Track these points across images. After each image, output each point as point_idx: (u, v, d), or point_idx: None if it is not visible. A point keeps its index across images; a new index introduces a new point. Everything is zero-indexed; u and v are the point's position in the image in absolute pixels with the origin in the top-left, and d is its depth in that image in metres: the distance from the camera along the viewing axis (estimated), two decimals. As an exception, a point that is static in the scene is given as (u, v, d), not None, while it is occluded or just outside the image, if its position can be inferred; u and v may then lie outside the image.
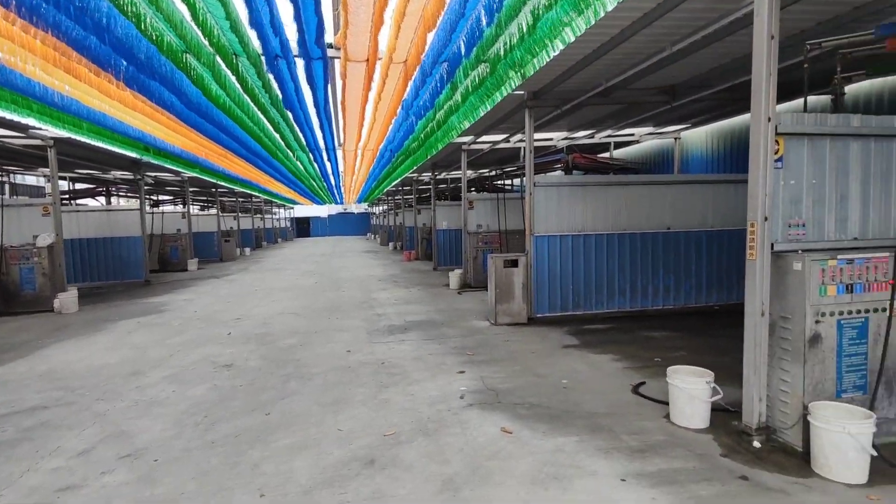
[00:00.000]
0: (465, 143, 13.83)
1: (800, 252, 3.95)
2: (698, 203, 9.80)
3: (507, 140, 13.18)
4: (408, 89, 7.63)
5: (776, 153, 4.10)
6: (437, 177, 20.17)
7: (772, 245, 4.05)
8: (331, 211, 68.68)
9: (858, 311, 3.94)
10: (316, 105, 8.54)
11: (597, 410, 4.90)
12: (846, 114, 4.28)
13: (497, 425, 4.57)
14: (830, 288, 3.88)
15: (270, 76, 6.87)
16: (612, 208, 9.58)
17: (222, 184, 21.88)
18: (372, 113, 9.40)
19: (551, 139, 14.25)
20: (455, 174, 22.94)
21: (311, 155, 14.66)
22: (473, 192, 16.84)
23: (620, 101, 8.89)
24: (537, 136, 13.71)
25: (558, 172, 13.97)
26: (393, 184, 25.37)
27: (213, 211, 27.07)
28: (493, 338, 8.01)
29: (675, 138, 13.50)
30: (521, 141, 14.16)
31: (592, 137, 13.67)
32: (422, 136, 10.91)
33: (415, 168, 16.90)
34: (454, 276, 13.74)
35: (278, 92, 7.57)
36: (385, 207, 41.73)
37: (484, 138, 13.37)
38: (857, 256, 3.93)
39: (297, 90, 7.63)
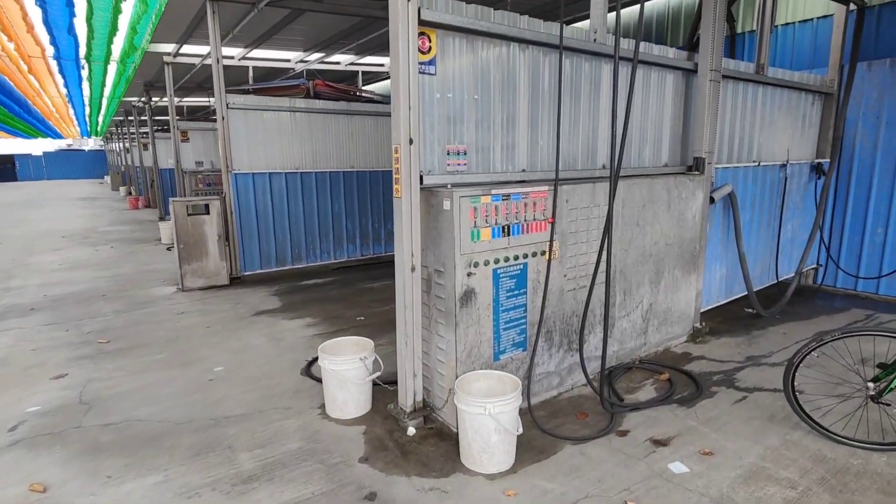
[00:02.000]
0: (167, 55, 10.71)
1: (449, 187, 3.05)
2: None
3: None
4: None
5: (426, 52, 3.05)
6: (157, 102, 16.07)
7: (421, 177, 3.06)
8: (47, 147, 53.03)
9: (517, 258, 3.28)
10: None
11: (232, 413, 3.56)
12: (513, 13, 3.46)
13: (37, 475, 2.84)
14: (485, 231, 3.10)
15: None
16: (338, 142, 8.19)
17: None
18: None
19: (288, 60, 12.08)
20: (194, 100, 18.86)
21: None
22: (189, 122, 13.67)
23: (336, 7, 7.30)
24: (272, 54, 11.43)
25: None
26: (115, 113, 19.83)
27: None
28: (164, 311, 6.04)
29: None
30: (246, 59, 11.71)
31: (338, 64, 11.99)
32: (94, 38, 7.72)
33: (127, 89, 12.96)
34: (166, 228, 10.93)
35: None
36: (122, 145, 33.35)
37: (191, 50, 10.50)
38: (514, 191, 3.21)
39: None
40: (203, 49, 10.44)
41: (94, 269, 8.36)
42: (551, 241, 3.45)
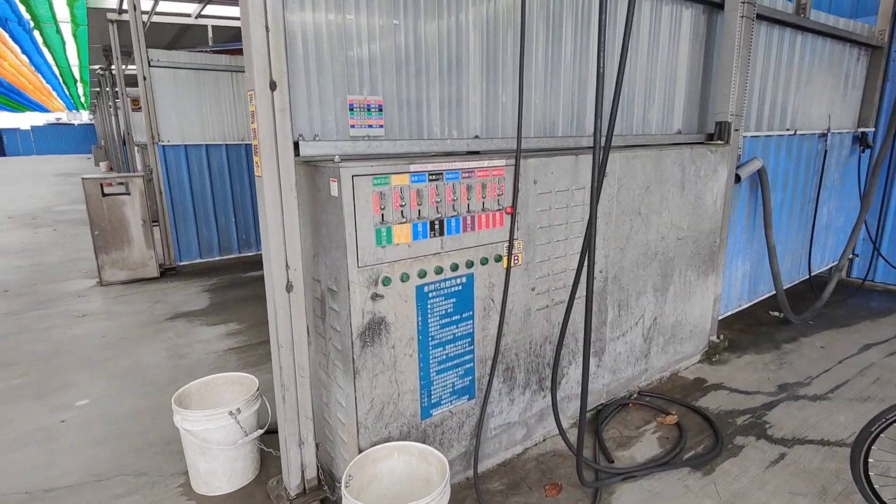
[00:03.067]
0: (112, 12, 9.43)
1: (336, 160, 1.92)
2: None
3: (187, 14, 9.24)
4: None
5: (302, -58, 1.89)
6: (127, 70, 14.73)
7: (296, 145, 1.95)
8: (35, 121, 51.54)
9: (456, 267, 2.19)
10: None
11: (61, 481, 2.53)
12: None
13: None
14: (401, 229, 2.00)
15: None
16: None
17: None
18: None
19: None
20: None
21: None
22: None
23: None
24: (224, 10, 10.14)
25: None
26: (90, 83, 18.56)
27: None
28: (63, 313, 5.00)
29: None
30: (203, 17, 10.41)
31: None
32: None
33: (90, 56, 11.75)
34: (115, 208, 9.81)
35: None
36: (100, 118, 31.91)
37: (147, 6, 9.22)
38: (450, 167, 2.10)
39: None
40: (154, 5, 9.17)
41: (16, 257, 7.30)
42: (512, 240, 2.35)
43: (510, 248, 2.36)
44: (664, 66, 3.35)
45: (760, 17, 3.72)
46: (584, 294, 2.68)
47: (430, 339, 2.19)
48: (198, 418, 2.28)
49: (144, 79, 5.88)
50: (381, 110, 2.21)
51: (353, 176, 1.83)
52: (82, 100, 28.78)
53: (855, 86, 5.29)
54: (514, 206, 2.32)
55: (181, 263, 6.51)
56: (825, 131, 4.78)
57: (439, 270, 2.14)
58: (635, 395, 3.26)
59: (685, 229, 3.31)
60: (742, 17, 3.35)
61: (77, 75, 18.09)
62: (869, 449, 2.08)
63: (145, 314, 4.92)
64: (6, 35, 12.21)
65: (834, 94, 4.99)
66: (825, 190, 5.05)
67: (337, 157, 1.91)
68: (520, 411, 2.65)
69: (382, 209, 1.93)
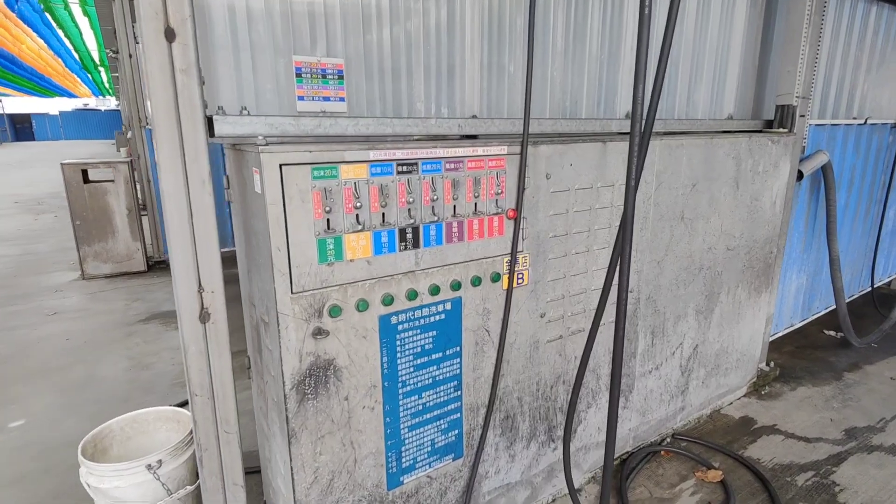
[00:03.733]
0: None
1: (260, 141, 1.36)
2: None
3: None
4: None
5: None
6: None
7: (210, 120, 1.40)
8: (64, 106, 52.47)
9: (436, 290, 1.62)
10: None
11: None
12: None
13: None
14: (354, 240, 1.44)
15: None
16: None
17: None
18: None
19: None
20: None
21: None
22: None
23: None
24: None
25: None
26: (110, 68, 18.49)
27: None
28: (35, 310, 4.60)
29: None
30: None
31: None
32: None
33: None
34: (118, 195, 9.51)
35: None
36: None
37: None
38: (428, 155, 1.53)
39: None
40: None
41: (7, 245, 7.00)
42: (515, 253, 1.78)
43: (512, 263, 1.79)
44: (715, 35, 2.70)
45: (835, -23, 3.04)
46: (613, 319, 2.10)
47: (399, 385, 1.64)
48: (105, 473, 1.79)
49: (130, 56, 5.43)
50: (341, 78, 1.64)
51: (280, 165, 1.28)
52: (106, 85, 28.94)
53: (933, 68, 4.50)
54: (518, 208, 1.75)
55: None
56: (901, 121, 4.04)
57: (413, 295, 1.58)
58: (668, 441, 2.67)
59: (737, 238, 2.68)
60: (818, -28, 2.68)
61: (97, 60, 17.99)
62: None
63: (119, 314, 4.50)
64: (16, 17, 12.02)
65: (909, 77, 4.23)
66: (894, 190, 4.31)
67: (261, 136, 1.36)
68: (523, 469, 2.09)
69: (328, 212, 1.38)
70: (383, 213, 1.48)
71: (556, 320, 2.02)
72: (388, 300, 1.53)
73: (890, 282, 4.87)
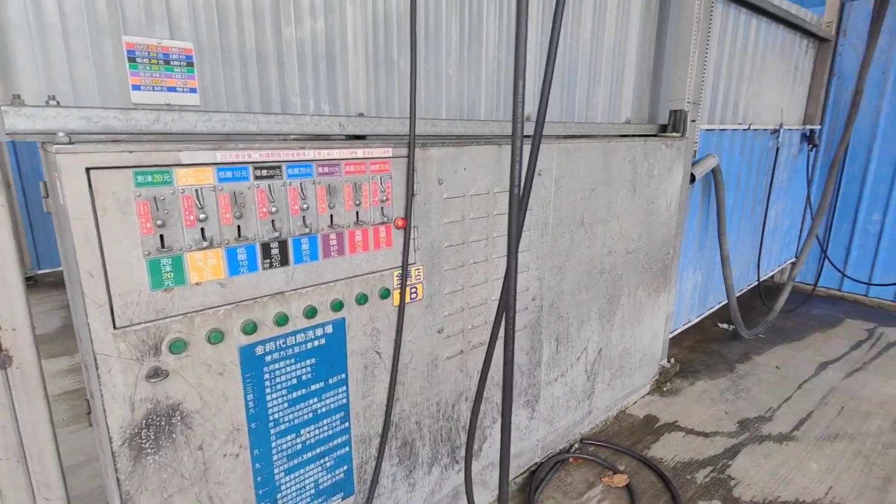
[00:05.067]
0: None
1: (62, 137, 1.09)
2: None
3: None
4: None
5: None
6: None
7: (-4, 113, 1.10)
8: None
9: (312, 313, 1.42)
10: None
11: None
12: None
13: None
14: (202, 260, 1.20)
15: None
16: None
17: None
18: None
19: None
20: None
21: None
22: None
23: None
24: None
25: None
26: None
27: None
28: None
29: None
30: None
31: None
32: None
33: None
34: None
35: None
36: None
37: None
38: (293, 157, 1.32)
39: None
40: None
41: None
42: (406, 265, 1.61)
43: (404, 277, 1.62)
44: (611, 42, 2.72)
45: (718, -11, 3.19)
46: (521, 328, 2.01)
47: (271, 424, 1.41)
48: None
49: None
50: (191, 65, 1.39)
51: (88, 168, 1.02)
52: None
53: (802, 80, 4.96)
54: (407, 216, 1.58)
55: (40, 272, 5.31)
56: (777, 127, 4.39)
57: (283, 320, 1.36)
58: (577, 446, 2.64)
59: (636, 240, 2.71)
60: (703, -17, 2.77)
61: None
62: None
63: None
64: None
65: (784, 87, 4.62)
66: (774, 191, 4.69)
67: (62, 133, 1.08)
68: (425, 496, 1.93)
69: (160, 226, 1.13)
70: (239, 226, 1.25)
71: (456, 335, 1.88)
72: (250, 328, 1.30)
73: (773, 275, 5.30)
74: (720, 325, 4.37)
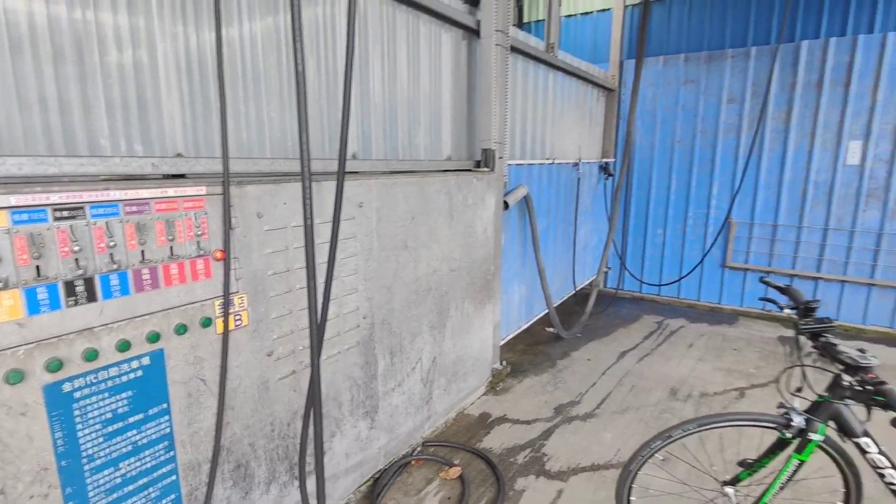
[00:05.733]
0: None
1: None
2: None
3: None
4: None
5: None
6: None
7: None
8: None
9: (125, 347, 1.48)
10: None
11: None
12: None
13: None
14: (2, 301, 1.23)
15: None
16: None
17: None
18: None
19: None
20: None
21: None
22: None
23: None
24: None
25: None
26: None
27: None
28: None
29: None
30: None
31: None
32: None
33: None
34: None
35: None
36: None
37: None
38: (98, 197, 1.41)
39: None
40: None
41: None
42: (227, 294, 1.74)
43: (226, 305, 1.74)
44: (427, 89, 3.15)
45: (515, 49, 3.86)
46: (353, 344, 2.22)
47: (84, 461, 1.43)
48: None
49: None
50: (-19, 109, 1.40)
51: None
52: None
53: (597, 122, 6.06)
54: (226, 248, 1.72)
55: None
56: (577, 161, 5.29)
57: (93, 356, 1.41)
58: (419, 450, 2.90)
59: (458, 260, 3.12)
60: (497, 45, 3.36)
61: None
62: (631, 487, 2.00)
63: None
64: None
65: (582, 128, 5.60)
66: (580, 214, 5.60)
67: None
68: (263, 516, 2.02)
69: (-55, 272, 1.14)
70: (38, 266, 1.29)
71: (287, 356, 2.03)
72: (55, 366, 1.33)
73: (587, 285, 6.26)
74: (548, 329, 5.05)
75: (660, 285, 6.15)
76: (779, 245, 5.40)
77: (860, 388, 1.60)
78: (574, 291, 5.60)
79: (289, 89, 2.27)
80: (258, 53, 2.11)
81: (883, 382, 1.53)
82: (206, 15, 1.91)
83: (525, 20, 7.47)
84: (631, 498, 2.01)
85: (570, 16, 6.98)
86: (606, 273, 6.49)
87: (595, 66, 5.76)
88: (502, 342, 4.03)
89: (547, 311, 4.86)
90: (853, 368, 1.59)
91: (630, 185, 6.20)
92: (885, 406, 1.53)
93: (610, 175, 6.06)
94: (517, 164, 4.08)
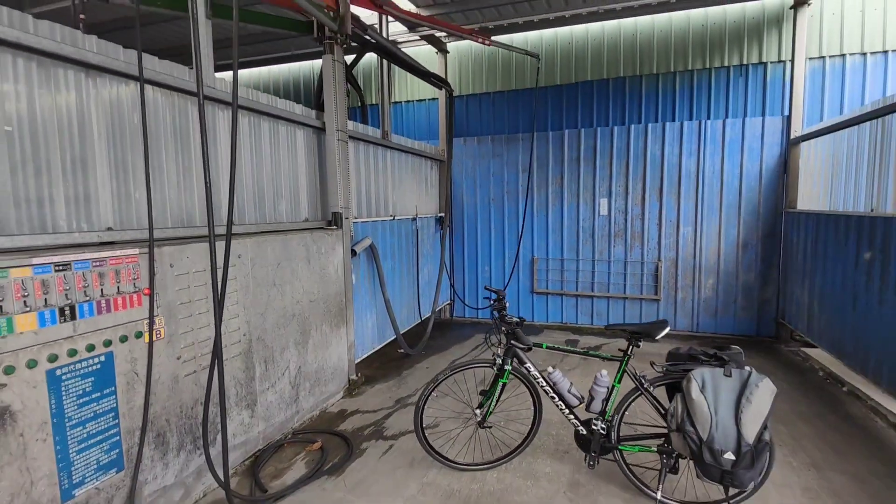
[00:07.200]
0: None
1: None
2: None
3: None
4: None
5: None
6: None
7: None
8: None
9: (92, 348, 2.42)
10: None
11: None
12: (75, 30, 2.69)
13: None
14: (24, 319, 2.15)
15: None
16: None
17: None
18: None
19: None
20: None
21: None
22: None
23: None
24: None
25: None
26: None
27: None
28: None
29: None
30: None
31: None
32: None
33: None
34: None
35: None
36: None
37: None
38: (79, 257, 2.38)
39: None
40: None
41: None
42: (152, 317, 2.72)
43: (151, 324, 2.72)
44: (288, 170, 4.36)
45: (355, 138, 5.26)
46: (237, 354, 3.22)
47: (66, 420, 2.31)
48: None
49: None
50: (-6, 208, 2.31)
51: (-37, 273, 1.94)
52: None
53: (433, 185, 7.71)
54: (151, 287, 2.72)
55: None
56: (415, 216, 6.81)
57: (73, 353, 2.33)
58: (290, 436, 3.90)
59: (316, 294, 4.28)
60: (338, 140, 4.71)
61: None
62: (421, 417, 3.29)
63: None
64: None
65: (420, 190, 7.18)
66: (422, 257, 7.09)
67: (-59, 255, 1.96)
68: (175, 473, 2.91)
69: (0, 301, 2.06)
70: (45, 298, 2.22)
71: (190, 360, 3.01)
72: (52, 358, 2.24)
73: (431, 315, 7.70)
74: (399, 350, 6.31)
75: (479, 308, 7.82)
76: (566, 273, 7.40)
77: (514, 337, 3.11)
78: (420, 320, 6.98)
79: (183, 180, 3.32)
80: (161, 150, 3.16)
81: (516, 332, 3.06)
82: (137, 141, 2.95)
83: (370, 102, 9.08)
84: (424, 425, 3.29)
85: (409, 101, 8.72)
86: (451, 305, 8.02)
87: (427, 143, 7.45)
88: (359, 360, 5.18)
89: (393, 337, 6.14)
90: (512, 326, 3.10)
91: (463, 233, 7.90)
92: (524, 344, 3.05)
93: (444, 226, 7.70)
94: (363, 221, 5.40)
